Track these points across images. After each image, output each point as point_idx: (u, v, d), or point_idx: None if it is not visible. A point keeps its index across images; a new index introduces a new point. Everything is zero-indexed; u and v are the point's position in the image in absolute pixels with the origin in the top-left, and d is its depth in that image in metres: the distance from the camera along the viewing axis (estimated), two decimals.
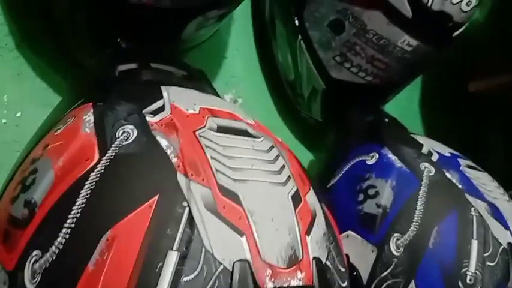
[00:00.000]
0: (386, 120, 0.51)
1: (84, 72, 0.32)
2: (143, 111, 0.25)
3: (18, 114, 0.37)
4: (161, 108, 0.25)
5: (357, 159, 0.43)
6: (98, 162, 0.22)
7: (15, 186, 0.24)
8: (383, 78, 0.49)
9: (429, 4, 0.43)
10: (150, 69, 0.32)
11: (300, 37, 0.48)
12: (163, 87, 0.28)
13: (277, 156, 0.26)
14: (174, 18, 0.35)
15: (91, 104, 0.26)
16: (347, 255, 0.35)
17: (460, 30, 0.48)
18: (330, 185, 0.44)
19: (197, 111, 0.26)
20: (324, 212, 0.25)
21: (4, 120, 0.36)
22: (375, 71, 0.48)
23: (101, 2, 0.32)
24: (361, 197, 0.40)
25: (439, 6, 0.43)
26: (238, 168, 0.23)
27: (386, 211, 0.38)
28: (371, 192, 0.40)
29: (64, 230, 0.21)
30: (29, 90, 0.38)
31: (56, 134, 0.25)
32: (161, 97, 0.27)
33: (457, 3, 0.44)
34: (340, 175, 0.43)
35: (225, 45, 0.53)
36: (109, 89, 0.27)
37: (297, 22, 0.48)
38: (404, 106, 0.64)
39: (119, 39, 0.34)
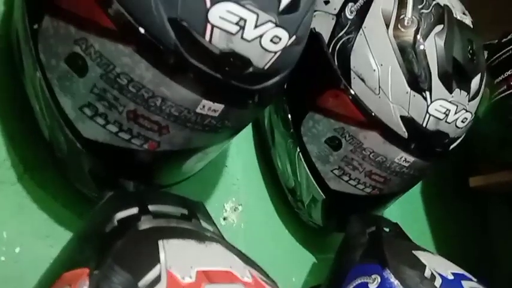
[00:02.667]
0: (388, 230, 0.50)
1: (84, 222, 0.32)
2: (139, 285, 0.25)
3: (17, 250, 0.37)
4: (157, 279, 0.25)
5: (359, 281, 0.42)
6: None
7: None
8: (382, 190, 0.49)
9: (424, 125, 0.44)
10: (148, 214, 0.32)
11: (298, 149, 0.49)
12: (160, 244, 0.28)
13: None
14: (175, 159, 0.36)
15: (87, 271, 0.26)
16: None
17: (456, 143, 0.49)
18: None
19: (193, 279, 0.26)
20: None
21: (3, 258, 0.36)
22: (373, 183, 0.48)
23: (102, 147, 0.33)
24: None
25: (434, 126, 0.44)
26: None
27: None
28: None
29: None
30: (29, 223, 0.38)
31: None
32: (158, 261, 0.27)
33: (452, 121, 0.45)
34: None
35: (226, 154, 0.54)
36: (107, 249, 0.28)
37: (295, 136, 0.49)
38: (406, 203, 0.64)
39: (120, 179, 0.35)
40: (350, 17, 0.44)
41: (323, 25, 0.46)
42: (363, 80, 0.43)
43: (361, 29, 0.43)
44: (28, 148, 0.38)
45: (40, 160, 0.38)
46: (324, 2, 0.47)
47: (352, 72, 0.44)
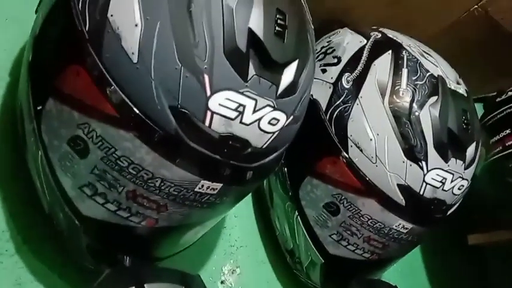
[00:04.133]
0: None
1: None
2: None
3: None
4: None
5: None
6: None
7: None
8: (381, 255, 0.49)
9: (421, 193, 0.44)
10: None
11: (296, 213, 0.49)
12: None
13: None
14: (173, 234, 0.36)
15: None
16: None
17: (454, 208, 0.49)
18: None
19: None
20: None
21: None
22: (372, 249, 0.48)
23: (100, 224, 0.34)
24: None
25: (431, 193, 0.45)
26: None
27: None
28: None
29: None
30: None
31: None
32: None
33: (449, 189, 0.45)
34: None
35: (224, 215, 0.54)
36: None
37: (293, 199, 0.49)
38: (405, 262, 0.63)
39: (117, 254, 0.35)
40: (347, 86, 0.45)
41: (320, 93, 0.47)
42: (360, 148, 0.44)
43: (357, 99, 0.44)
44: (27, 220, 0.38)
45: (39, 232, 0.38)
46: (322, 70, 0.48)
47: (349, 140, 0.44)
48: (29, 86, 0.33)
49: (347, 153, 0.45)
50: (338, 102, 0.46)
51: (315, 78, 0.48)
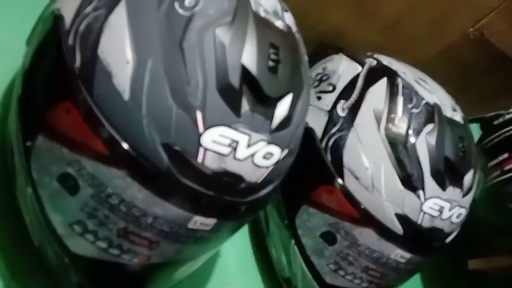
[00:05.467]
0: None
1: None
2: None
3: None
4: None
5: None
6: None
7: None
8: (379, 285, 0.48)
9: (419, 222, 0.43)
10: None
11: (293, 241, 0.48)
12: None
13: None
14: (166, 270, 0.35)
15: None
16: None
17: (452, 236, 0.49)
18: None
19: None
20: None
21: None
22: (370, 279, 0.47)
23: (90, 262, 0.33)
24: None
25: (429, 223, 0.44)
26: None
27: None
28: None
29: None
30: None
31: None
32: None
33: (447, 218, 0.44)
34: None
35: None
36: None
37: (290, 228, 0.49)
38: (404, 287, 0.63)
39: None
40: (342, 114, 0.45)
41: (316, 121, 0.46)
42: (356, 177, 0.43)
43: (353, 127, 0.44)
44: (16, 255, 0.37)
45: (28, 267, 0.37)
46: (317, 97, 0.48)
47: (345, 168, 0.44)
48: (19, 121, 0.33)
49: (343, 181, 0.44)
50: (334, 131, 0.45)
51: (310, 105, 0.48)
